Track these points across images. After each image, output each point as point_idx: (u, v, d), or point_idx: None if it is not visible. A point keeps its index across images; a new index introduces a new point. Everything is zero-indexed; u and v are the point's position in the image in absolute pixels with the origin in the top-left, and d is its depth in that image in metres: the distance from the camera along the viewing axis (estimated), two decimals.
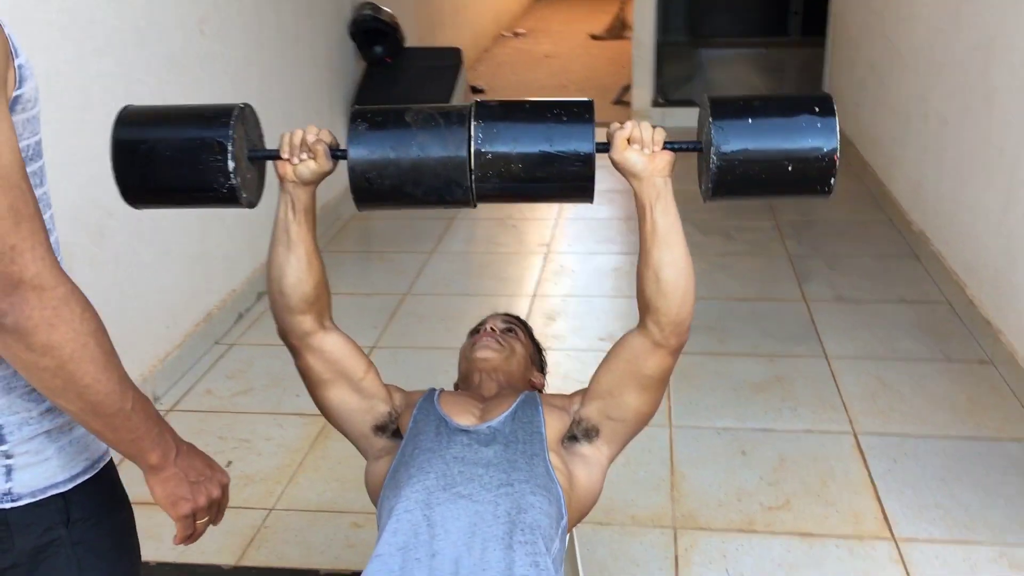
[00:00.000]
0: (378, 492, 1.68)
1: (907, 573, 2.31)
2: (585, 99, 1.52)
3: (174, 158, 1.46)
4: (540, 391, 2.01)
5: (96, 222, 2.88)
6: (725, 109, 1.45)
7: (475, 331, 1.98)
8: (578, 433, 1.70)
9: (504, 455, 1.60)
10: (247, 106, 1.53)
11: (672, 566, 2.36)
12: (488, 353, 1.88)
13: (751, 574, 2.33)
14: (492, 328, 1.95)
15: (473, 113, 1.48)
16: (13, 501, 1.17)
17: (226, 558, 2.43)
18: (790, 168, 1.43)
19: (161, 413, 3.12)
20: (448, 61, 5.40)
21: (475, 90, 7.98)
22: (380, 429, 1.74)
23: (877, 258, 4.29)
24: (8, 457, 1.17)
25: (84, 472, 1.24)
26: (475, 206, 1.53)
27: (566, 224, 4.88)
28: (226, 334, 3.69)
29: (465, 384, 1.93)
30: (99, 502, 1.26)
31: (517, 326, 2.01)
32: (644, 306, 1.59)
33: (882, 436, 2.88)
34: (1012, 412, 2.99)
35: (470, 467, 1.58)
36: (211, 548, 2.46)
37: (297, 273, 1.60)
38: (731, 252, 4.41)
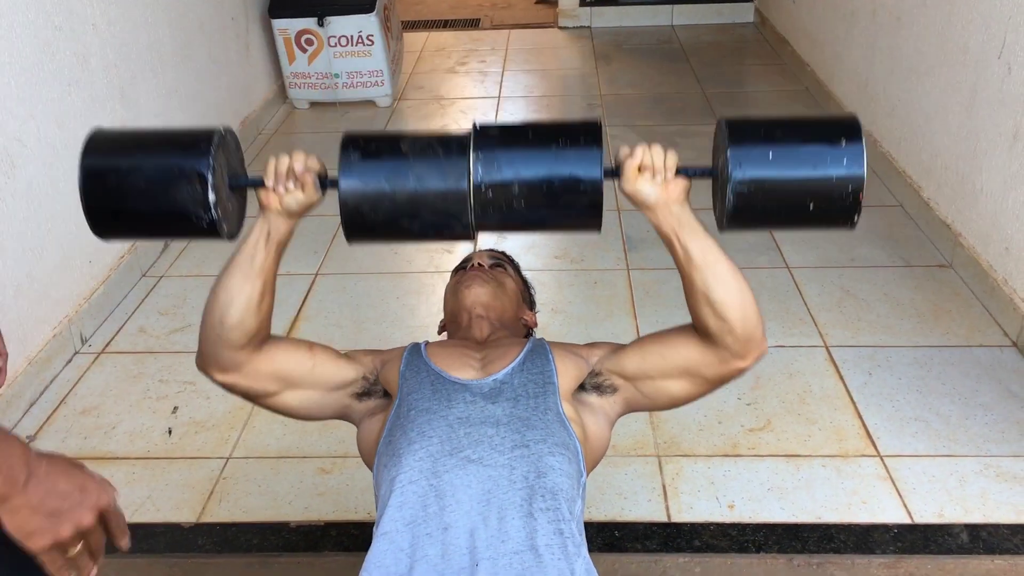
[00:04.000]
0: (372, 454, 1.52)
1: (896, 490, 2.28)
2: (592, 120, 1.39)
3: (149, 191, 1.30)
4: (532, 329, 1.87)
5: (4, 149, 2.57)
6: (744, 135, 1.33)
7: (460, 268, 1.81)
8: (589, 384, 1.56)
9: (514, 412, 1.45)
10: (228, 131, 1.38)
11: (661, 496, 2.28)
12: (477, 290, 1.72)
13: (741, 500, 2.26)
14: (479, 264, 1.78)
15: (473, 142, 1.34)
16: None
17: (185, 515, 2.25)
18: (811, 206, 1.32)
19: (91, 356, 2.89)
20: None
21: None
22: (361, 395, 1.57)
23: None
24: None
25: None
26: (474, 238, 1.41)
27: None
28: (152, 265, 3.42)
29: (453, 327, 1.77)
30: None
31: (505, 261, 1.85)
32: (706, 332, 1.42)
33: (854, 348, 2.83)
34: (977, 317, 2.97)
35: (477, 427, 1.43)
36: (167, 505, 2.28)
37: (247, 306, 1.40)
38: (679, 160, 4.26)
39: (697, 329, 1.44)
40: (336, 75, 4.89)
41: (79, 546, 1.08)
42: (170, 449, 2.47)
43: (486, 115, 4.90)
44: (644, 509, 2.24)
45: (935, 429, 2.47)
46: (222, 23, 4.19)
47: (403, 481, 1.38)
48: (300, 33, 4.78)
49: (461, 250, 3.45)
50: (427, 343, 1.63)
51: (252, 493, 2.31)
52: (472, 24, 6.81)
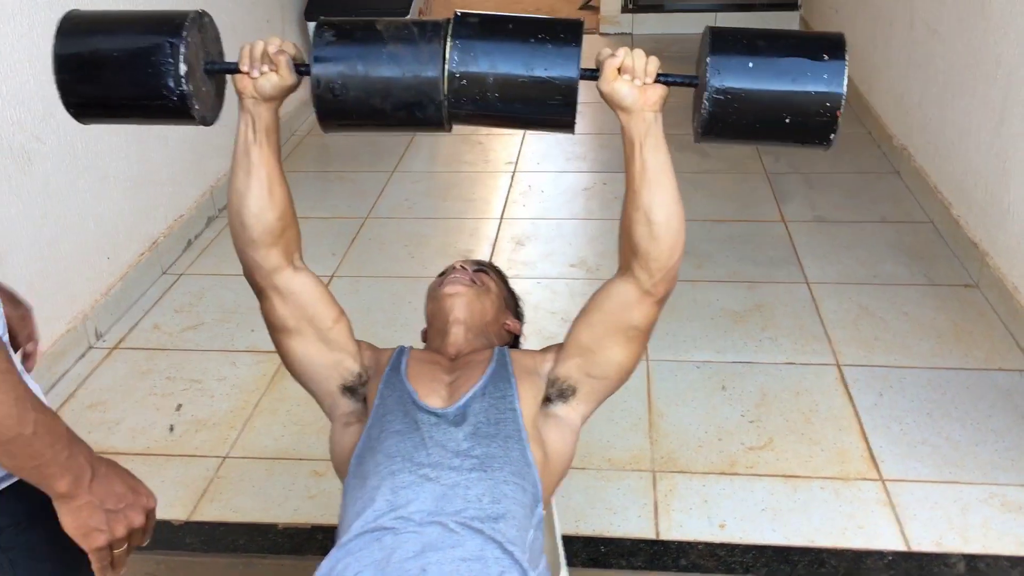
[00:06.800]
0: (344, 465, 1.53)
1: (895, 515, 2.21)
2: (573, 19, 1.36)
3: (121, 63, 1.31)
4: (517, 338, 1.85)
5: (22, 146, 2.63)
6: (726, 45, 1.30)
7: (443, 273, 1.81)
8: (552, 394, 1.54)
9: (475, 438, 1.45)
10: (205, 14, 1.38)
11: (651, 512, 2.24)
12: (459, 288, 1.71)
13: (733, 520, 2.21)
14: (463, 266, 1.78)
15: (451, 30, 1.32)
16: None
17: (177, 512, 2.27)
18: (788, 119, 1.29)
19: (104, 351, 2.93)
20: None
21: None
22: (348, 391, 1.58)
23: (857, 175, 4.13)
24: None
25: (6, 477, 1.09)
26: (449, 129, 1.39)
27: (534, 141, 4.65)
28: (174, 263, 3.47)
29: (432, 329, 1.77)
30: (30, 505, 1.11)
31: (488, 268, 1.84)
32: (631, 251, 1.43)
33: (867, 367, 2.76)
34: (999, 340, 2.88)
35: (438, 449, 1.43)
36: (161, 501, 2.26)
37: (259, 202, 1.42)
38: (707, 170, 4.22)
39: (624, 250, 1.45)
40: None
41: (123, 545, 1.13)
42: (170, 446, 2.50)
43: (524, 141, 4.89)
44: (633, 525, 2.21)
45: (942, 454, 2.40)
46: (256, 26, 4.25)
47: (364, 499, 1.40)
48: None
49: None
50: (411, 354, 1.63)
51: (245, 493, 2.33)
52: None
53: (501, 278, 1.86)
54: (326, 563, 1.36)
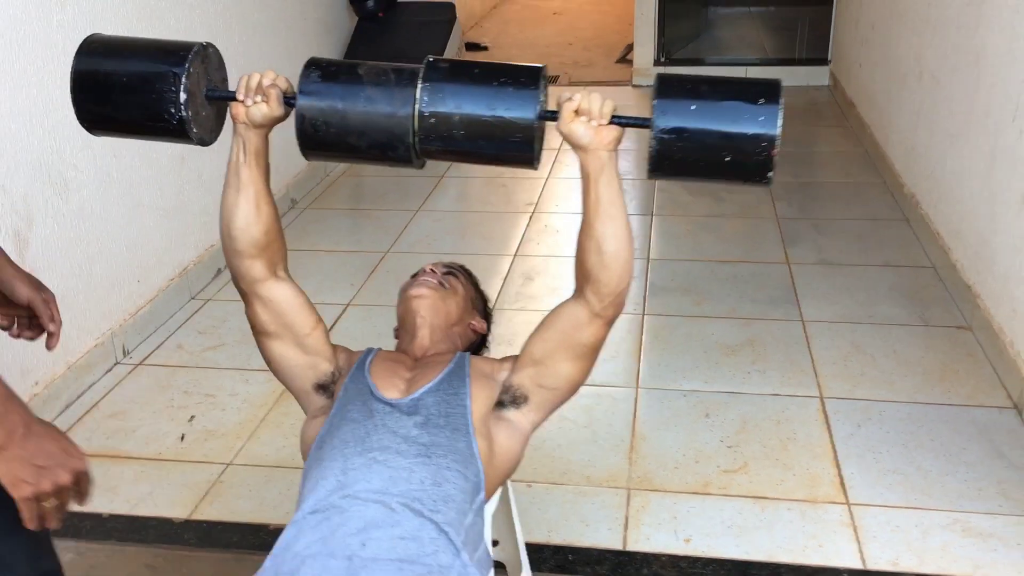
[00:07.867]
0: (308, 452, 1.69)
1: (856, 537, 2.29)
2: (535, 65, 1.51)
3: (129, 87, 1.50)
4: (485, 337, 1.99)
5: (60, 174, 2.87)
6: (670, 90, 1.45)
7: (415, 275, 1.96)
8: (506, 399, 1.69)
9: (424, 427, 1.60)
10: (210, 45, 1.57)
11: (621, 526, 2.35)
12: (424, 291, 1.86)
13: (699, 536, 2.31)
14: (432, 269, 1.92)
15: (422, 74, 1.49)
16: None
17: (178, 511, 2.44)
18: (728, 158, 1.43)
19: (130, 367, 3.13)
20: (441, 17, 5.33)
21: (476, 47, 7.89)
22: (321, 388, 1.74)
23: (868, 221, 4.22)
24: None
25: None
26: (421, 166, 1.55)
27: (556, 183, 4.83)
28: (203, 289, 3.69)
29: (402, 328, 1.92)
30: None
31: (458, 271, 1.99)
32: (584, 277, 1.59)
33: (849, 400, 2.85)
34: (984, 378, 2.94)
35: (388, 435, 1.58)
36: (164, 501, 2.48)
37: (246, 216, 1.60)
38: (719, 214, 4.34)
39: (577, 275, 1.60)
40: None
41: (53, 500, 1.25)
42: (179, 453, 2.68)
43: (542, 167, 5.08)
44: (602, 537, 2.32)
45: (912, 482, 2.47)
46: (294, 77, 4.51)
47: (318, 478, 1.55)
48: None
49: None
50: (378, 353, 1.78)
51: (243, 497, 2.49)
52: (551, 81, 7.03)
53: (470, 280, 2.01)
54: (282, 538, 1.51)
